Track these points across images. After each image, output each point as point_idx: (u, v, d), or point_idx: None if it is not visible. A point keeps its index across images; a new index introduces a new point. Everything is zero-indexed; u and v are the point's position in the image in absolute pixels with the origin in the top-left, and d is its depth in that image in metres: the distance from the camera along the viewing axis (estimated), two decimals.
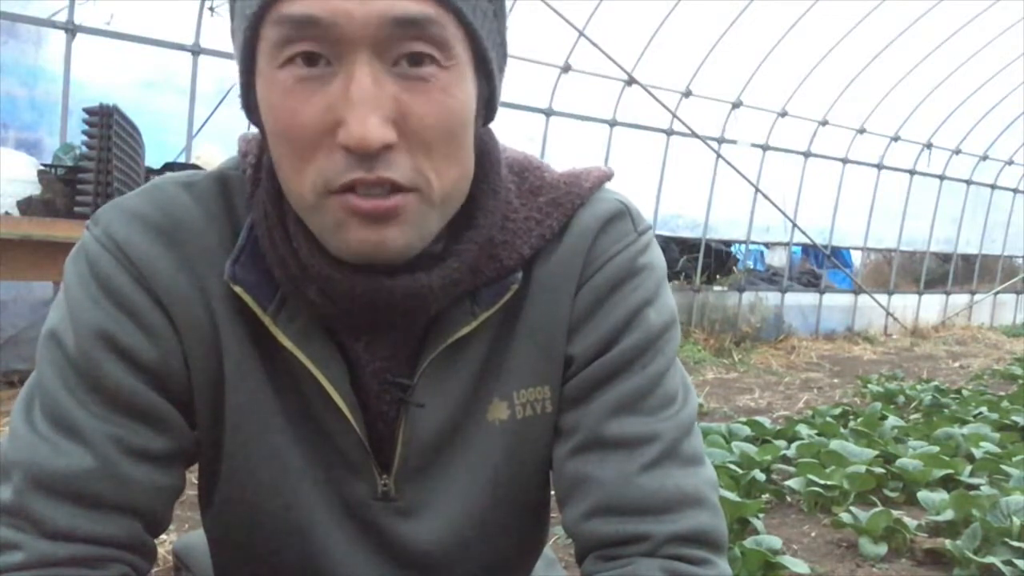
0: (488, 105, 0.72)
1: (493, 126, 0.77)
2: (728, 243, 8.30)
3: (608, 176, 0.81)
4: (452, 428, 0.76)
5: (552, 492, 0.84)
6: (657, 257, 0.80)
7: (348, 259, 0.66)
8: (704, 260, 7.61)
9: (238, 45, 0.66)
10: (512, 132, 6.03)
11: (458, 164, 0.67)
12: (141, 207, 0.72)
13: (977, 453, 3.57)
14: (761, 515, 2.70)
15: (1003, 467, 3.30)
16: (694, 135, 6.86)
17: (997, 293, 10.90)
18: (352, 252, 0.65)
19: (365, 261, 0.66)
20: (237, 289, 0.70)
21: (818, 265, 9.20)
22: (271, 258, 0.71)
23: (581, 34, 5.90)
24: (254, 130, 0.74)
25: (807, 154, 8.12)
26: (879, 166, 8.88)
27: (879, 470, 3.18)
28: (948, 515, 2.70)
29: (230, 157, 0.79)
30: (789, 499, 3.08)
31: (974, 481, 3.18)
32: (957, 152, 9.48)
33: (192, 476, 0.80)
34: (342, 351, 0.73)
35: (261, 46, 0.64)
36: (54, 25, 4.45)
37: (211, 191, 0.75)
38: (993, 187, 10.28)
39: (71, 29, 4.40)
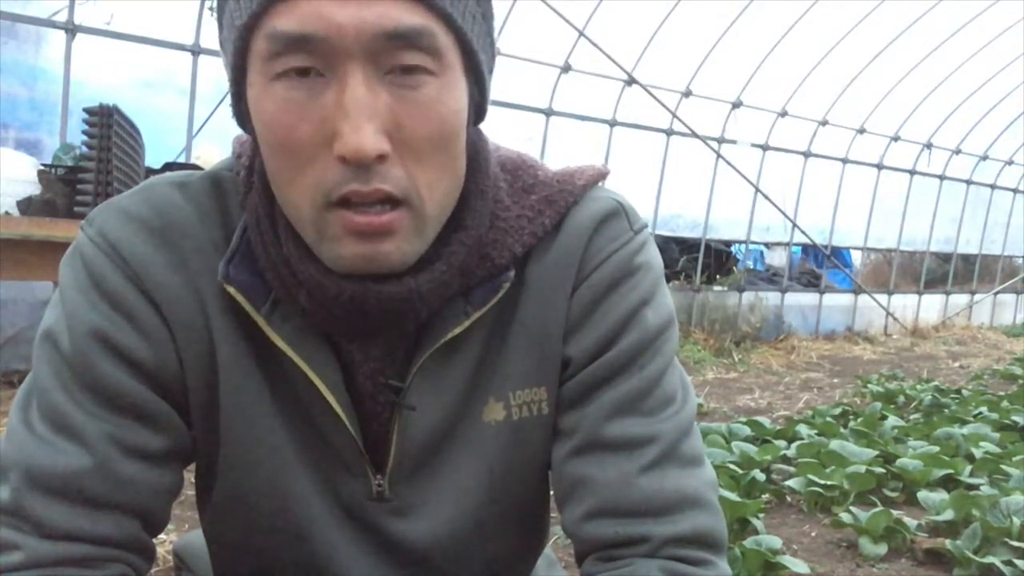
0: (478, 107, 0.72)
1: (495, 127, 0.77)
2: (728, 243, 8.30)
3: (603, 174, 0.80)
4: (446, 429, 0.76)
5: (552, 493, 0.83)
6: (654, 256, 0.79)
7: (342, 271, 0.67)
8: (704, 260, 7.61)
9: (228, 55, 0.66)
10: (512, 132, 6.03)
11: (450, 174, 0.68)
12: (135, 207, 0.72)
13: (977, 453, 3.57)
14: (761, 515, 2.70)
15: (1003, 467, 3.30)
16: (694, 135, 6.86)
17: (997, 293, 10.90)
18: (347, 266, 0.66)
19: (359, 273, 0.67)
20: (231, 290, 0.70)
21: (818, 265, 9.20)
22: (263, 262, 0.71)
23: (581, 34, 5.90)
24: None
25: (807, 154, 8.12)
26: (879, 166, 8.88)
27: (879, 470, 3.18)
28: (948, 515, 2.70)
29: (225, 158, 0.80)
30: (789, 499, 3.08)
31: (974, 481, 3.18)
32: (957, 152, 9.48)
33: (190, 476, 0.80)
34: (336, 351, 0.73)
35: (252, 58, 0.64)
36: (54, 25, 4.45)
37: (204, 192, 0.75)
38: (993, 187, 10.28)
39: (71, 29, 4.39)
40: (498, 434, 0.77)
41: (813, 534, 2.75)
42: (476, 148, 0.75)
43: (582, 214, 0.77)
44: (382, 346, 0.73)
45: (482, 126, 0.76)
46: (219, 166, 0.78)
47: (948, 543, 2.47)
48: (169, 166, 3.39)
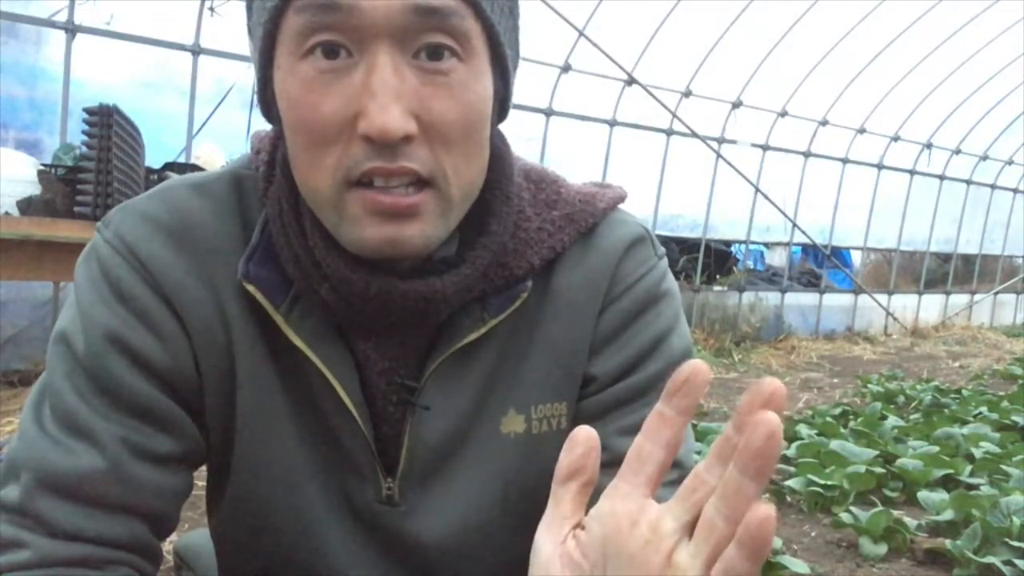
0: (502, 104, 0.72)
1: None
2: (728, 243, 8.29)
3: (622, 198, 0.82)
4: (459, 435, 0.76)
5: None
6: (674, 283, 0.82)
7: (364, 255, 0.66)
8: (704, 260, 7.61)
9: (257, 39, 0.66)
10: (512, 132, 5.91)
11: (475, 160, 0.68)
12: (152, 209, 0.72)
13: (977, 453, 3.57)
14: None
15: (1003, 467, 3.30)
16: (694, 135, 6.86)
17: (997, 293, 10.89)
18: (369, 248, 0.65)
19: (382, 257, 0.66)
20: (250, 288, 0.70)
21: (818, 265, 9.19)
22: (285, 255, 0.71)
23: (581, 34, 5.90)
24: (267, 128, 0.74)
25: (807, 154, 8.12)
26: (879, 166, 8.88)
27: (879, 470, 3.18)
28: (948, 515, 2.70)
29: (241, 155, 0.79)
30: (789, 499, 3.08)
31: (974, 481, 3.19)
32: (957, 152, 9.48)
33: (196, 477, 0.80)
34: (351, 351, 0.73)
35: (281, 38, 0.64)
36: (54, 25, 4.44)
37: (223, 191, 0.75)
38: (993, 187, 10.28)
39: (71, 29, 4.39)
40: (516, 446, 0.77)
41: (813, 534, 2.76)
42: (500, 153, 0.75)
43: (612, 236, 0.79)
44: (397, 347, 0.73)
45: None
46: (236, 164, 0.77)
47: (948, 543, 2.47)
48: (169, 166, 3.38)
